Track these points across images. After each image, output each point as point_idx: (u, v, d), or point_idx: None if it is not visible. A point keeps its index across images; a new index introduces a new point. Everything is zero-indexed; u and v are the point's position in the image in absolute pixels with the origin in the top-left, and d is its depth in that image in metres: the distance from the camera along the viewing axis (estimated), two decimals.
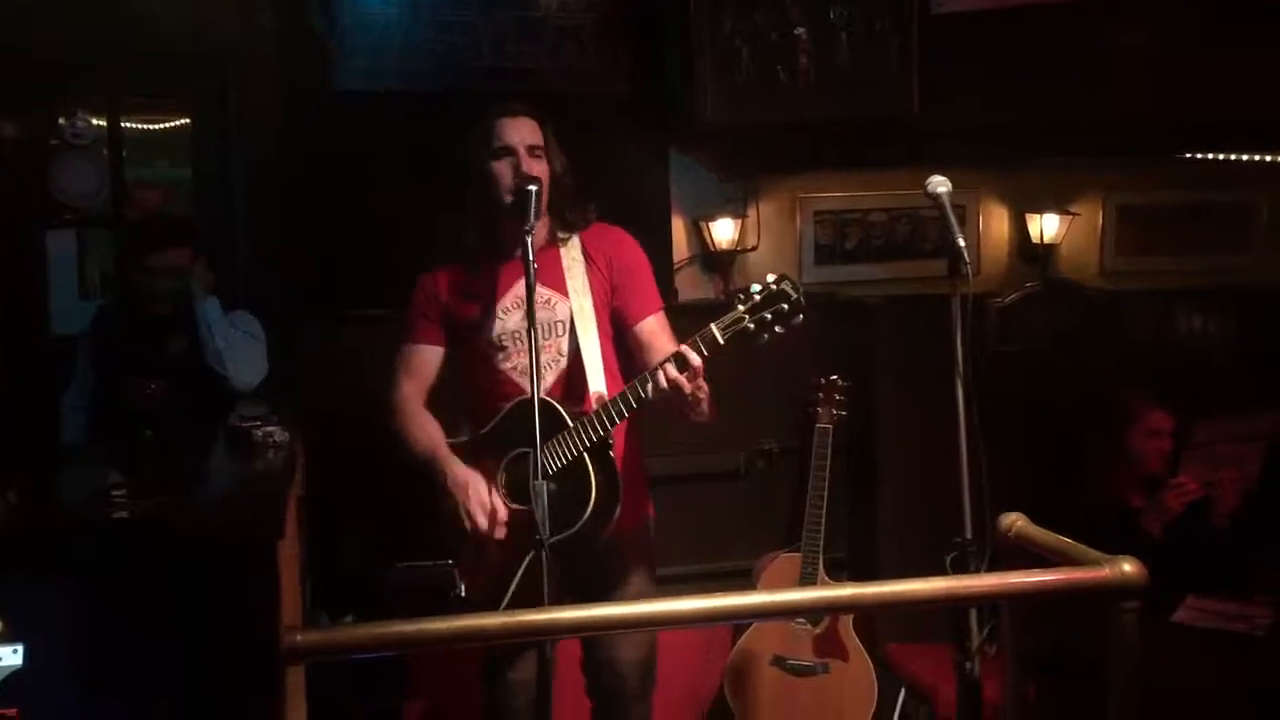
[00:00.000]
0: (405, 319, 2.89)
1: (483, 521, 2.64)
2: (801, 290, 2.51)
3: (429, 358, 2.87)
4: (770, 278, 2.52)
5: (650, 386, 2.55)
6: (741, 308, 2.51)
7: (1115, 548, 2.02)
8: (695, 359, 2.50)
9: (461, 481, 2.70)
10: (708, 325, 2.52)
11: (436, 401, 2.89)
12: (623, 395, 2.61)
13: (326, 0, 3.92)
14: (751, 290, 2.52)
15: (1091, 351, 4.25)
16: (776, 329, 2.50)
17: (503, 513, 2.67)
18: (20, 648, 1.81)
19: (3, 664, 1.81)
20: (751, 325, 2.49)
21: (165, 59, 4.05)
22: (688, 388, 2.51)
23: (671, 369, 2.51)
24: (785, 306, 2.48)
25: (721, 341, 2.50)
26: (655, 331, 2.83)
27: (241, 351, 3.38)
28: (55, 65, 3.96)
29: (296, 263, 3.89)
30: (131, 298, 3.51)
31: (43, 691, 1.84)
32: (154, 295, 3.42)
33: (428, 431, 2.83)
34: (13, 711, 1.82)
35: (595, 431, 2.62)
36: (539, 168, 2.74)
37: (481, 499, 2.67)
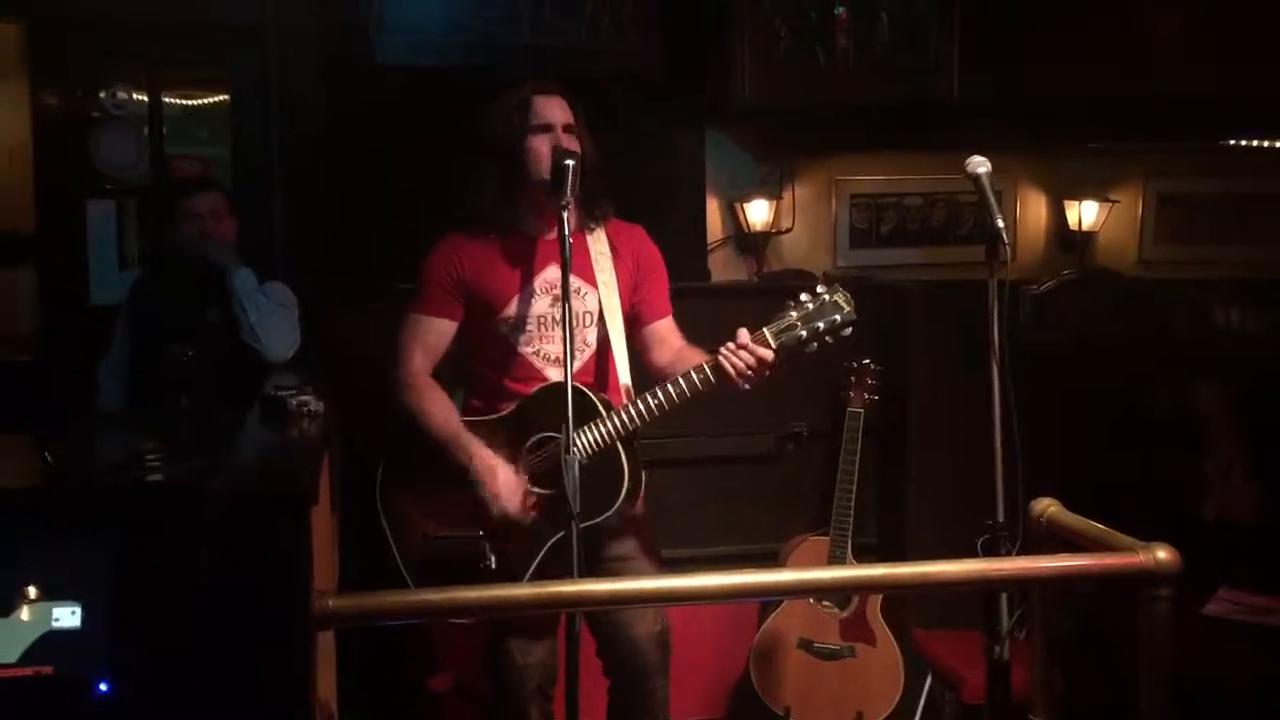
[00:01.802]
0: (419, 286, 2.82)
1: (512, 507, 2.65)
2: (854, 303, 2.56)
3: (442, 331, 2.81)
4: (821, 288, 2.57)
5: (702, 379, 2.59)
6: (795, 314, 2.57)
7: (1158, 534, 2.00)
8: (766, 352, 2.55)
9: (490, 466, 2.69)
10: (760, 329, 2.57)
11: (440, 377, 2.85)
12: (664, 390, 2.63)
13: None
14: (802, 299, 2.57)
15: (1128, 340, 4.21)
16: (827, 339, 2.57)
17: (529, 499, 2.68)
18: (78, 609, 1.85)
19: (60, 624, 1.85)
20: (804, 333, 2.56)
21: (205, 33, 4.08)
22: (755, 378, 2.56)
23: (738, 361, 2.55)
24: (838, 319, 2.55)
25: (774, 346, 2.55)
26: (671, 329, 2.90)
27: (274, 323, 3.40)
28: (97, 38, 4.01)
29: (334, 236, 3.92)
30: (170, 250, 3.54)
31: (76, 651, 1.87)
32: (190, 241, 3.44)
33: (445, 410, 2.77)
34: (49, 669, 1.85)
35: (634, 421, 2.64)
36: (574, 146, 2.73)
37: (511, 484, 2.67)
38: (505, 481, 2.67)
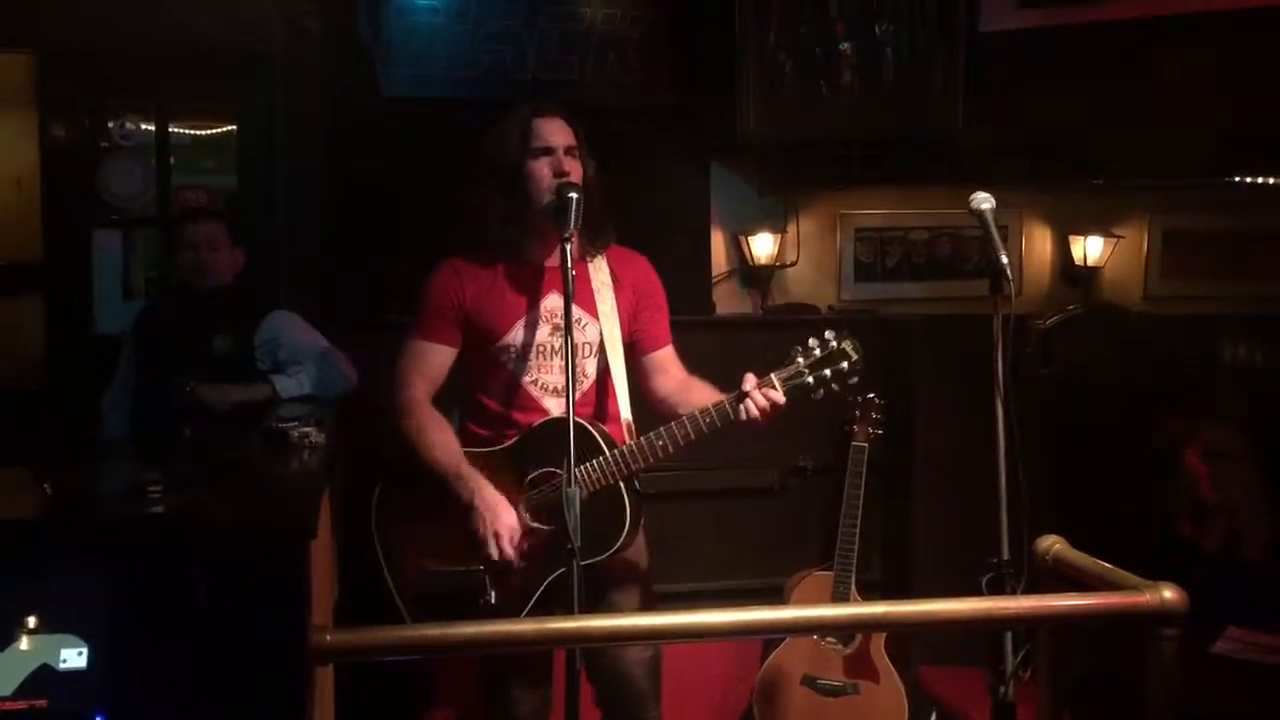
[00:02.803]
0: (419, 311, 2.77)
1: (509, 550, 2.60)
2: (861, 351, 2.57)
3: (443, 359, 2.75)
4: (829, 334, 2.58)
5: (706, 421, 2.57)
6: (802, 361, 2.58)
7: (1164, 572, 1.99)
8: (779, 396, 2.55)
9: (493, 506, 2.62)
10: (768, 375, 2.57)
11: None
12: (669, 431, 2.60)
13: (373, 9, 3.95)
14: (810, 345, 2.58)
15: (1134, 376, 4.19)
16: (834, 386, 2.57)
17: (527, 539, 2.64)
18: (85, 650, 1.84)
19: (67, 665, 1.84)
20: (810, 380, 2.57)
21: (213, 66, 4.10)
22: (763, 420, 2.56)
23: (753, 407, 2.55)
24: (845, 366, 2.56)
25: (781, 391, 2.56)
26: (671, 359, 2.87)
27: (324, 375, 3.37)
28: (106, 70, 4.03)
29: (338, 268, 3.92)
30: (176, 277, 3.54)
31: (73, 685, 1.85)
32: (194, 268, 3.43)
33: (447, 441, 2.71)
34: (43, 703, 1.83)
35: (636, 460, 2.61)
36: (576, 169, 2.69)
37: (511, 526, 2.62)
38: (507, 524, 2.62)
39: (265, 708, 1.82)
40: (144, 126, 4.18)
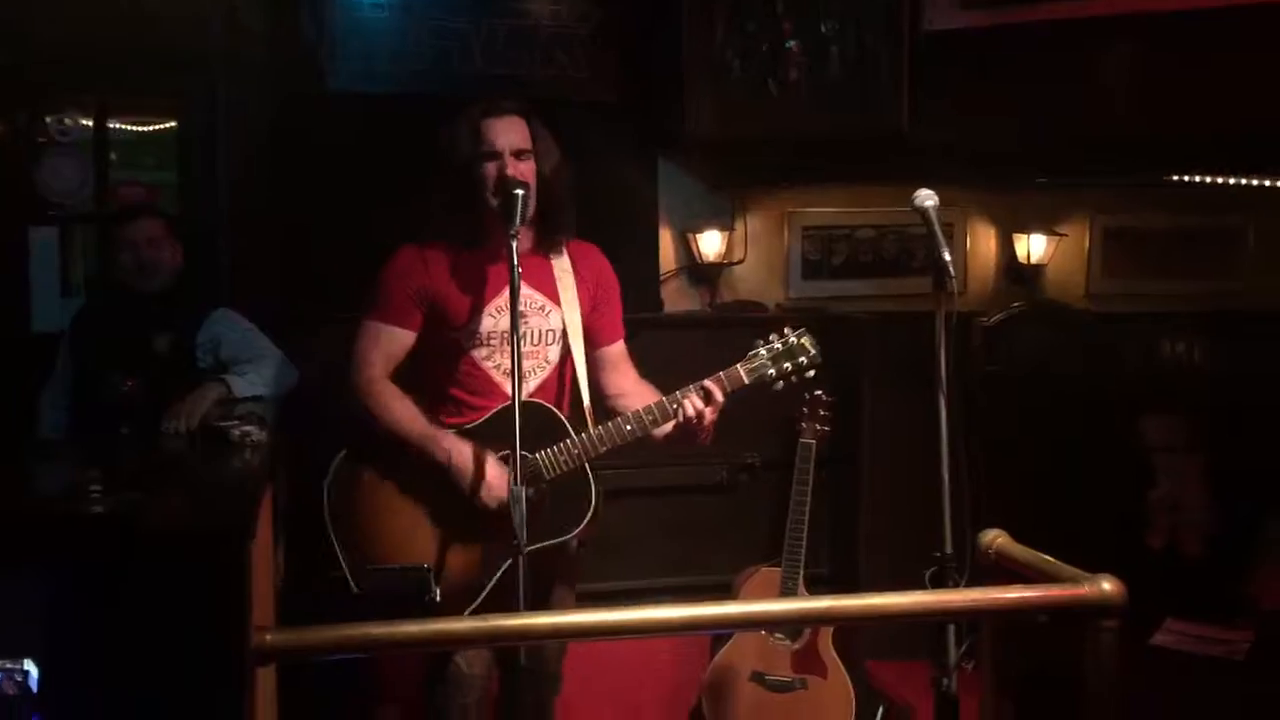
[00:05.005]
0: (377, 294, 2.78)
1: (503, 492, 2.59)
2: (819, 348, 2.74)
3: (402, 341, 2.77)
4: (789, 330, 2.73)
5: (678, 410, 2.67)
6: (765, 354, 2.71)
7: (1106, 565, 2.01)
8: (719, 394, 2.67)
9: (470, 457, 2.65)
10: (734, 365, 2.71)
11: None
12: (639, 416, 2.69)
13: (316, 3, 3.90)
14: (771, 340, 2.72)
15: (1077, 372, 4.25)
16: (793, 379, 2.73)
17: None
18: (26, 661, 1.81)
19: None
20: (773, 371, 2.71)
21: (154, 59, 4.02)
22: (708, 419, 2.68)
23: (698, 400, 2.66)
24: (804, 360, 2.72)
25: (746, 382, 2.70)
26: (623, 355, 2.95)
27: (270, 374, 3.33)
28: (43, 63, 3.95)
29: (282, 265, 3.87)
30: (115, 278, 3.48)
31: (4, 690, 1.82)
32: (135, 267, 3.39)
33: (410, 410, 2.73)
34: None
35: (602, 445, 2.69)
36: (526, 170, 2.71)
37: (496, 470, 2.64)
38: (492, 469, 2.64)
39: (206, 711, 1.80)
40: (83, 122, 4.09)
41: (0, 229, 3.94)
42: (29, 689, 1.89)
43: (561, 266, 2.82)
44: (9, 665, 1.88)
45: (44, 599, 1.86)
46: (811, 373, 2.74)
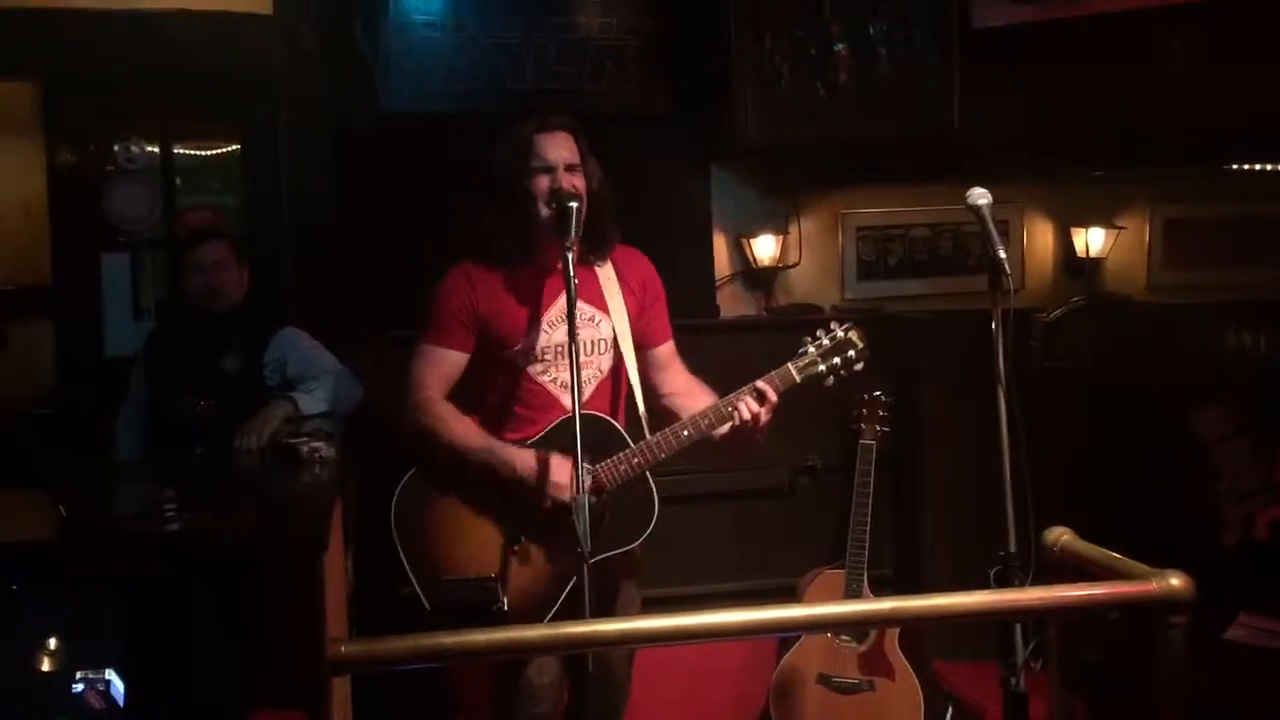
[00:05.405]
0: (431, 316, 2.82)
1: (570, 491, 2.57)
2: (866, 340, 2.77)
3: (456, 362, 2.81)
4: (835, 325, 2.77)
5: (733, 412, 2.70)
6: (814, 350, 2.75)
7: (1176, 561, 1.99)
8: (772, 394, 2.70)
9: (536, 463, 2.67)
10: (785, 365, 2.74)
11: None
12: (695, 421, 2.71)
13: (370, 25, 3.98)
14: (818, 335, 2.76)
15: (1138, 366, 4.19)
16: (843, 373, 2.76)
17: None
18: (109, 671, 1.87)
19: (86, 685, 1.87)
20: (823, 368, 2.75)
21: (215, 86, 4.14)
22: (763, 419, 2.70)
23: (752, 402, 2.69)
24: (852, 354, 2.76)
25: (798, 380, 2.73)
26: (672, 355, 2.97)
27: (336, 392, 3.38)
28: (111, 93, 4.07)
29: (343, 285, 3.94)
30: (185, 301, 3.57)
31: (94, 701, 1.88)
32: (204, 290, 3.46)
33: (470, 427, 2.77)
34: None
35: (661, 453, 2.70)
36: (578, 183, 2.75)
37: (564, 469, 2.64)
38: (558, 468, 2.66)
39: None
40: (149, 149, 4.20)
41: (74, 256, 4.06)
42: (114, 701, 1.95)
43: (606, 275, 2.86)
44: (91, 675, 1.93)
45: (124, 614, 1.92)
46: (860, 365, 2.77)
